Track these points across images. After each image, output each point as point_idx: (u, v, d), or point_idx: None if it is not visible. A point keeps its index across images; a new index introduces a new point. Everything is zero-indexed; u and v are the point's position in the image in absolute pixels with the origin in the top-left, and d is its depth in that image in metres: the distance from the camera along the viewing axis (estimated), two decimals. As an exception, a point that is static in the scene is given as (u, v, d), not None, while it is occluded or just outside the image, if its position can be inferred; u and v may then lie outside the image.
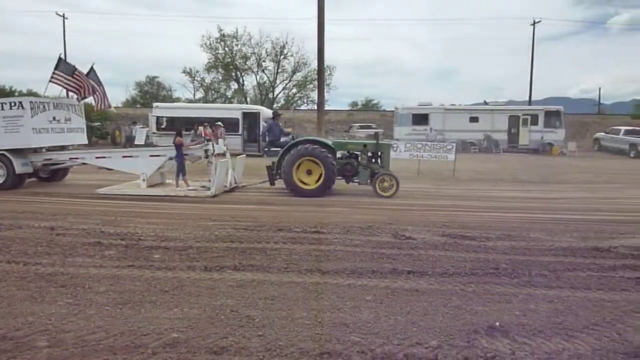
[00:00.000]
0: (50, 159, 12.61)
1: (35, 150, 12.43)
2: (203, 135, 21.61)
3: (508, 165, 20.58)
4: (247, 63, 46.31)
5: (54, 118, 12.59)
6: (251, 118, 24.91)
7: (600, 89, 63.57)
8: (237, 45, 45.27)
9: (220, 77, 47.66)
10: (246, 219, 8.13)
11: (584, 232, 7.38)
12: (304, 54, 45.07)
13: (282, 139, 13.14)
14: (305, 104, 47.93)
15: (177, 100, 50.57)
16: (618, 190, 13.28)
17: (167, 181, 12.89)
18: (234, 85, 48.62)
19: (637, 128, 31.23)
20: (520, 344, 3.50)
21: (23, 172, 12.07)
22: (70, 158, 12.69)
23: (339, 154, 11.63)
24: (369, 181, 11.40)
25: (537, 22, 43.60)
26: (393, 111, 33.21)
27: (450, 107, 29.91)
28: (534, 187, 13.64)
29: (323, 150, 10.98)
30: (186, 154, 11.83)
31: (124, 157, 12.25)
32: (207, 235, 6.85)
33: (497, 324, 3.80)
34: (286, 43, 45.00)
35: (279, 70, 46.61)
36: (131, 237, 6.67)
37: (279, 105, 46.81)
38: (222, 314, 4.02)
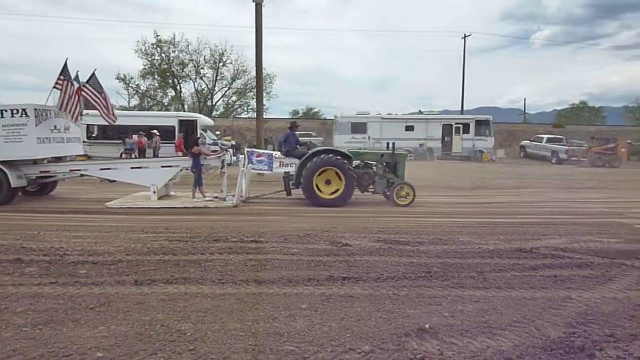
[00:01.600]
0: (47, 171, 11.70)
1: (35, 162, 11.51)
2: (136, 143, 20.87)
3: (441, 171, 21.41)
4: (185, 70, 45.41)
5: (54, 127, 11.71)
6: (188, 126, 24.38)
7: (525, 99, 67.57)
8: (174, 51, 44.34)
9: (157, 84, 46.37)
10: (181, 230, 7.92)
11: (510, 234, 7.79)
12: (243, 62, 44.84)
13: (300, 149, 12.61)
14: (246, 112, 47.60)
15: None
16: (541, 194, 14.14)
17: (171, 193, 12.39)
18: (171, 93, 47.47)
19: (558, 136, 33.51)
20: (448, 344, 3.62)
21: (18, 185, 11.11)
22: (71, 170, 11.84)
23: (354, 164, 11.66)
24: (386, 190, 11.52)
25: (468, 35, 45.93)
26: (333, 119, 33.66)
27: (387, 116, 30.75)
28: (465, 193, 14.26)
29: (344, 160, 11.06)
30: (202, 164, 11.55)
31: (132, 168, 11.62)
32: (139, 248, 6.60)
33: (427, 325, 3.92)
34: (225, 50, 44.59)
35: (218, 77, 46.09)
36: (55, 252, 6.30)
37: (217, 112, 46.15)
38: (151, 329, 3.87)
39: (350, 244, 6.85)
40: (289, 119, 50.72)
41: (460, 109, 46.04)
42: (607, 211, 10.81)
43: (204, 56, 44.69)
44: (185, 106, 46.03)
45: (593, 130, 41.37)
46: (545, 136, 32.71)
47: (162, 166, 11.55)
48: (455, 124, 30.41)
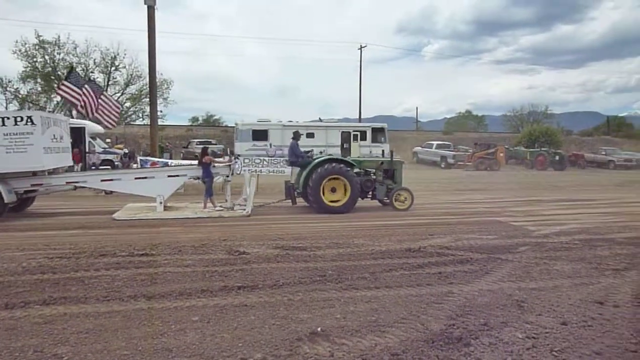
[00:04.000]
0: (40, 184, 10.65)
1: (35, 174, 10.54)
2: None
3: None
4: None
5: (54, 136, 10.79)
6: (75, 133, 22.60)
7: (417, 108, 72.02)
8: (59, 53, 40.93)
9: (40, 88, 42.49)
10: (63, 245, 7.31)
11: (401, 235, 8.21)
12: (137, 66, 42.61)
13: (303, 158, 12.28)
14: (141, 119, 45.25)
15: (-17, 113, 43.60)
16: (431, 197, 15.09)
17: (167, 204, 11.62)
18: (57, 98, 43.78)
19: (446, 142, 36.07)
20: (339, 345, 3.71)
21: (9, 201, 10.17)
22: (68, 182, 11.02)
23: (355, 171, 11.89)
24: (385, 196, 12.03)
25: (364, 46, 47.79)
26: (234, 127, 33.22)
27: (288, 124, 30.98)
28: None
29: (348, 168, 11.47)
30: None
31: (136, 178, 11.10)
32: (13, 267, 5.98)
33: (319, 329, 3.98)
34: (117, 54, 42.09)
35: (110, 82, 43.33)
36: None
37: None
38: (22, 356, 3.51)
39: (248, 252, 6.78)
40: (188, 126, 49.17)
41: (359, 117, 47.78)
42: (488, 211, 11.81)
43: (94, 59, 41.83)
44: (74, 112, 42.76)
45: (477, 136, 45.15)
46: (435, 142, 35.06)
47: (169, 176, 11.27)
48: (353, 131, 31.47)
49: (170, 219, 10.17)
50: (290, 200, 12.16)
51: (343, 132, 31.18)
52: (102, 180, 11.24)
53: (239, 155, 14.19)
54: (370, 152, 31.04)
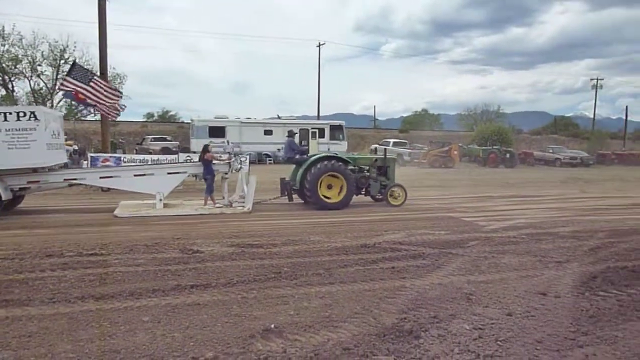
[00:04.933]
0: (36, 181, 10.37)
1: (35, 170, 10.25)
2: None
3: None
4: (18, 66, 40.13)
5: (53, 132, 10.53)
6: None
7: (375, 107, 72.87)
8: (3, 45, 38.85)
9: (-18, 81, 40.23)
10: (6, 246, 6.97)
11: (357, 232, 8.30)
12: (89, 60, 40.98)
13: (298, 156, 12.34)
14: (92, 114, 43.62)
15: None
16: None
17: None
18: (1, 91, 41.59)
19: (403, 140, 36.70)
20: (292, 341, 3.73)
21: (7, 198, 9.92)
22: (66, 179, 10.80)
23: (349, 168, 12.00)
24: (379, 193, 12.24)
25: (322, 44, 47.94)
26: (190, 123, 32.61)
27: (246, 121, 30.73)
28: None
29: (345, 165, 11.66)
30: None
31: (135, 175, 10.93)
32: (-51, 270, 5.66)
33: (273, 325, 3.99)
34: (67, 46, 40.35)
35: (59, 76, 41.54)
36: None
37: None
38: (-42, 363, 3.34)
39: (202, 251, 6.68)
40: (143, 122, 47.88)
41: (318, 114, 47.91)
42: (441, 207, 12.11)
43: (42, 52, 39.96)
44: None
45: (432, 135, 46.17)
46: (392, 140, 35.59)
47: (169, 173, 11.18)
48: (312, 128, 31.57)
49: (171, 216, 10.17)
50: (287, 197, 12.14)
51: (301, 129, 31.19)
52: (100, 178, 11.08)
53: (236, 153, 14.13)
54: (329, 149, 31.21)
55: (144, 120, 51.39)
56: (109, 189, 11.69)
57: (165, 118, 54.67)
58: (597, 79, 57.95)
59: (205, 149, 11.49)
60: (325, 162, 11.53)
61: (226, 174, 11.73)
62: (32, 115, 9.74)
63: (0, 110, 9.76)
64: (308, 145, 31.19)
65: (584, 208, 12.29)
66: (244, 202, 11.39)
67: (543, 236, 8.10)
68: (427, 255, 6.64)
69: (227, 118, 30.44)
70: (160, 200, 10.86)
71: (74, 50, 40.44)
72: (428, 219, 9.97)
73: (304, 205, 11.91)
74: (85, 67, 11.33)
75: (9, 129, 9.60)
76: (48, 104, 41.16)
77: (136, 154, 25.46)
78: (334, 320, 4.15)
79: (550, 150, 36.75)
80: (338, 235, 7.90)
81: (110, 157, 15.66)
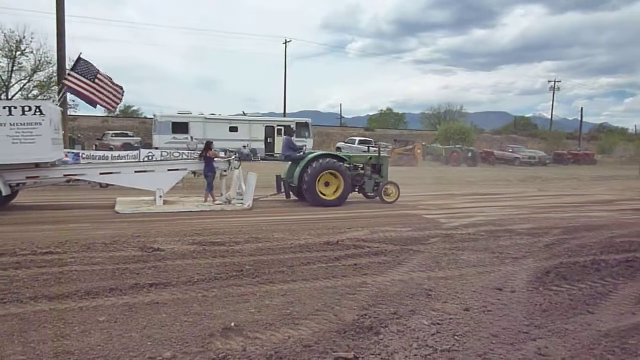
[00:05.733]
0: (36, 177, 10.26)
1: (37, 165, 10.17)
2: None
3: (261, 172, 21.85)
4: (-30, 58, 38.23)
5: (55, 127, 10.43)
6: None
7: (341, 104, 73.33)
8: (-46, 35, 36.94)
9: None
10: (-47, 245, 6.65)
11: (320, 229, 8.33)
12: (47, 51, 39.48)
13: (296, 153, 12.62)
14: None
15: None
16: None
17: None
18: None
19: (368, 138, 37.05)
20: (252, 339, 3.70)
21: (6, 193, 9.85)
22: (65, 175, 10.65)
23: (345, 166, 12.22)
24: (373, 190, 12.61)
25: (289, 41, 47.79)
26: (152, 118, 31.93)
27: (210, 117, 30.29)
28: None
29: (342, 163, 11.95)
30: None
31: (136, 172, 10.91)
32: None
33: (233, 324, 3.95)
34: (24, 37, 38.73)
35: (15, 68, 39.82)
36: None
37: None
38: None
39: (163, 249, 6.55)
40: (104, 116, 46.54)
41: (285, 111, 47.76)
42: (404, 204, 12.28)
43: (-4, 42, 38.22)
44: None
45: (397, 133, 46.79)
46: (357, 138, 35.90)
47: (169, 169, 11.26)
48: (277, 125, 31.40)
49: (173, 212, 10.18)
50: (284, 194, 12.54)
51: (267, 126, 31.06)
52: (101, 174, 11.03)
53: (234, 152, 14.22)
54: (295, 146, 31.20)
55: (105, 115, 49.99)
56: (107, 185, 11.80)
57: (127, 113, 53.33)
58: (555, 81, 60.06)
59: (208, 146, 11.54)
60: (323, 160, 11.78)
61: (225, 171, 11.80)
62: (37, 110, 9.67)
63: (5, 105, 9.67)
64: (274, 142, 31.10)
65: (540, 206, 12.74)
66: (241, 199, 11.49)
67: (501, 233, 8.34)
68: (389, 252, 6.73)
69: (191, 114, 29.94)
70: (160, 196, 10.91)
71: (30, 41, 38.89)
72: (391, 216, 10.11)
73: (281, 203, 11.95)
74: (89, 61, 11.00)
75: (14, 123, 9.51)
76: (3, 96, 39.51)
77: (96, 149, 24.76)
78: (295, 318, 4.15)
79: (510, 150, 37.88)
80: (302, 233, 7.90)
81: (69, 152, 15.15)
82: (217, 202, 11.35)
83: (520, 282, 5.41)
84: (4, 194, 9.79)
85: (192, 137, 28.36)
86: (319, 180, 11.68)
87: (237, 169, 11.98)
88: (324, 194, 11.77)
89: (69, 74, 10.66)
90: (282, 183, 12.67)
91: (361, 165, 12.82)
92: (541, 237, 7.99)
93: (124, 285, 4.94)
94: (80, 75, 10.95)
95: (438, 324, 4.10)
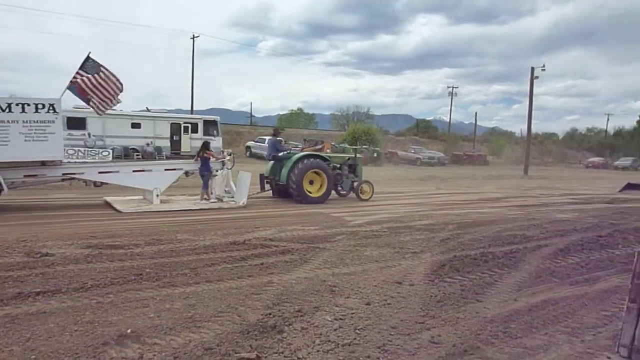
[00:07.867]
0: (34, 175, 10.04)
1: (44, 163, 9.99)
2: None
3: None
4: None
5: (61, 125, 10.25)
6: None
7: (251, 103, 72.71)
8: None
9: None
10: None
11: (227, 229, 8.18)
12: None
13: (281, 154, 12.95)
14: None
15: None
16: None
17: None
18: None
19: (278, 138, 37.01)
20: (150, 345, 3.54)
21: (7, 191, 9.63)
22: (64, 174, 10.59)
23: None
24: (349, 189, 13.54)
25: (197, 37, 46.40)
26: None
27: (110, 112, 28.51)
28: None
29: (326, 163, 12.64)
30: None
31: (134, 171, 11.13)
32: None
33: (129, 330, 3.75)
34: None
35: None
36: None
37: None
38: None
39: (53, 254, 6.06)
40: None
41: (193, 109, 46.28)
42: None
43: None
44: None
45: (307, 133, 47.27)
46: (267, 137, 35.76)
47: (166, 169, 11.60)
48: (184, 123, 30.31)
49: (172, 211, 10.29)
50: (270, 192, 13.34)
51: (173, 123, 29.86)
52: (99, 173, 11.00)
53: (231, 152, 13.69)
54: (202, 145, 30.36)
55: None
56: (102, 184, 11.83)
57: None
58: (453, 87, 64.28)
59: (206, 146, 11.90)
60: (308, 160, 12.38)
61: (217, 171, 12.03)
62: (51, 108, 9.57)
63: (18, 102, 9.43)
64: (180, 140, 30.03)
65: (438, 203, 13.56)
66: (232, 197, 11.89)
67: (402, 229, 8.75)
68: (295, 250, 6.78)
69: (89, 108, 27.97)
70: (157, 195, 11.08)
71: None
72: (299, 215, 10.20)
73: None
74: (97, 61, 10.20)
75: (27, 121, 9.37)
76: None
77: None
78: (197, 321, 4.03)
79: (412, 151, 39.94)
80: (207, 233, 7.71)
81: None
82: (212, 200, 11.67)
83: (418, 276, 5.71)
84: (6, 192, 9.56)
85: (89, 134, 26.48)
86: (305, 179, 12.29)
87: (230, 169, 12.21)
88: (309, 192, 12.42)
89: (77, 72, 10.24)
90: (265, 181, 13.28)
91: (339, 166, 13.46)
92: (438, 233, 8.50)
93: (6, 295, 4.49)
94: (87, 73, 10.30)
95: (340, 319, 4.21)
